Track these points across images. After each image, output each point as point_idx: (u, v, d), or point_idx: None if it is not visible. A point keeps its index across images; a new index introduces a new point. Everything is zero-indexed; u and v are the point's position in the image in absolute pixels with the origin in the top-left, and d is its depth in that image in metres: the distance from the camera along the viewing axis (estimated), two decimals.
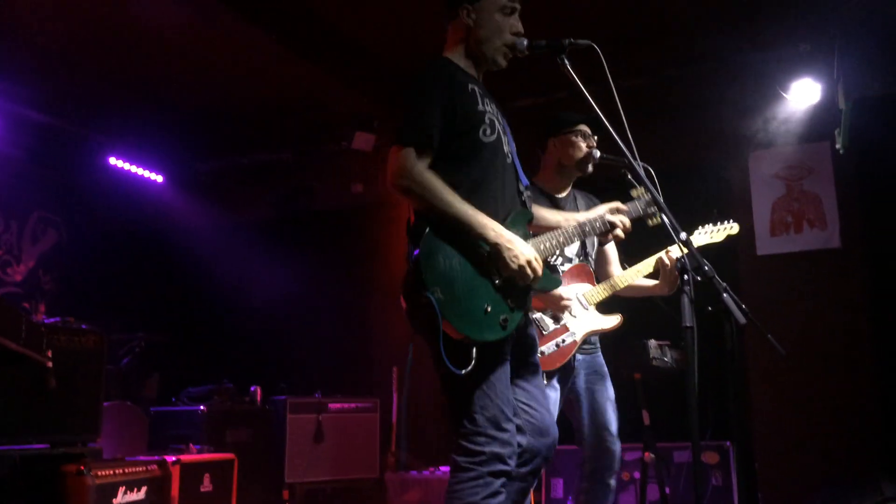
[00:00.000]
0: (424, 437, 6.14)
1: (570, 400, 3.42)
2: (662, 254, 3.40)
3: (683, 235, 2.27)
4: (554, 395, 3.25)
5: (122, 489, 3.59)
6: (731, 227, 3.69)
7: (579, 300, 3.40)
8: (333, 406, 5.85)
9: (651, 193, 2.46)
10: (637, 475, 5.02)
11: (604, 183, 3.62)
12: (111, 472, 3.55)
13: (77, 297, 6.70)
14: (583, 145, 3.44)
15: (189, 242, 7.21)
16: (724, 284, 2.27)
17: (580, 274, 3.44)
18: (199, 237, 7.23)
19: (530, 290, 2.46)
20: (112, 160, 7.00)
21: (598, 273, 3.58)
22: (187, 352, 6.86)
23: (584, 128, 3.45)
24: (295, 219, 7.32)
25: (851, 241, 5.58)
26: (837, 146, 5.34)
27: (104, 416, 3.99)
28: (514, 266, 2.32)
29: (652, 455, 4.18)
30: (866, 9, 4.73)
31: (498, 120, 2.56)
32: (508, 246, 2.32)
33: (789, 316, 5.53)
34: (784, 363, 5.32)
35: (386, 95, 6.10)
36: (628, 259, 3.67)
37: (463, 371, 2.23)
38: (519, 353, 2.48)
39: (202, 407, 5.14)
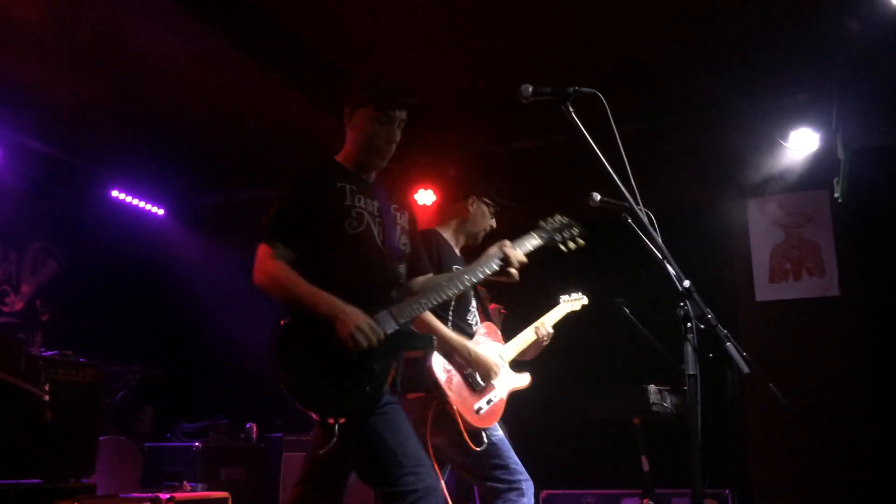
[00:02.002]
0: None
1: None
2: (538, 323, 3.72)
3: (687, 283, 2.27)
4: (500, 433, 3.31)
5: None
6: (582, 298, 4.04)
7: (500, 357, 3.46)
8: None
9: (653, 239, 2.46)
10: None
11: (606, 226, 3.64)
12: None
13: (74, 329, 6.67)
14: (491, 223, 3.62)
15: (188, 276, 7.20)
16: (726, 332, 2.27)
17: (492, 333, 3.52)
18: (199, 271, 7.22)
19: (397, 351, 2.55)
20: (114, 192, 7.03)
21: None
22: (183, 386, 6.81)
23: (497, 210, 3.62)
24: None
25: (850, 289, 5.59)
26: (836, 195, 5.38)
27: (98, 452, 3.95)
28: (343, 334, 2.39)
29: (650, 501, 4.15)
30: (864, 61, 4.81)
31: (370, 214, 2.71)
32: (339, 315, 2.41)
33: (788, 363, 5.53)
34: (783, 411, 5.30)
35: None
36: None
37: (328, 447, 2.37)
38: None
39: (197, 443, 5.09)
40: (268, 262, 2.55)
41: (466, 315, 3.41)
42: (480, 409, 3.19)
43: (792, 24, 4.87)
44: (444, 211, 3.73)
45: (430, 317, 3.18)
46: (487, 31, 4.96)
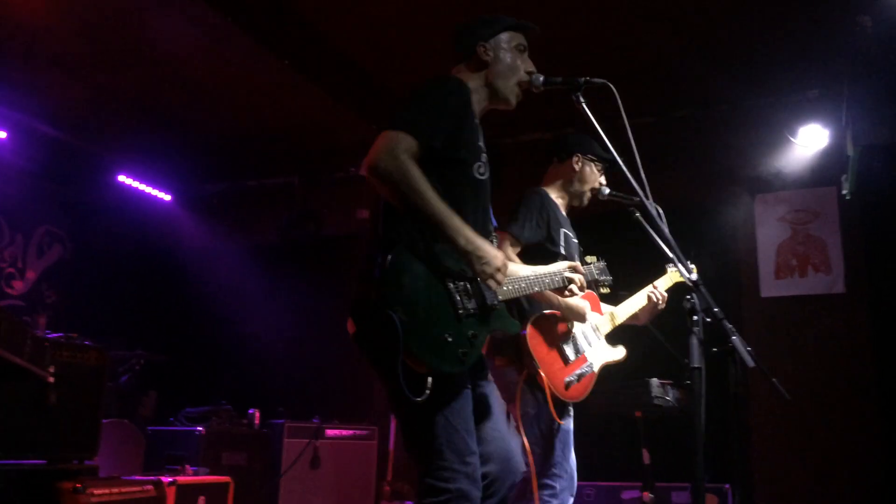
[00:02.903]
0: None
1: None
2: (650, 287, 3.51)
3: (694, 276, 2.27)
4: (569, 426, 3.21)
5: None
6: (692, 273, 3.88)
7: (594, 330, 3.38)
8: (331, 432, 5.81)
9: (661, 233, 2.46)
10: None
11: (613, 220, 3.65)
12: (107, 490, 3.52)
13: (78, 313, 6.69)
14: (601, 180, 3.49)
15: (194, 262, 7.21)
16: (732, 327, 2.27)
17: (592, 303, 3.37)
18: (204, 257, 7.24)
19: (489, 327, 2.31)
20: (121, 177, 7.04)
21: None
22: (186, 371, 6.83)
23: (605, 166, 3.51)
24: (300, 243, 7.33)
25: (856, 286, 5.58)
26: (844, 192, 5.37)
27: (101, 434, 3.97)
28: (490, 270, 2.20)
29: (651, 495, 4.15)
30: (875, 57, 4.78)
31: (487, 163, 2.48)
32: (479, 254, 2.18)
33: (792, 359, 5.52)
34: (787, 407, 5.30)
35: None
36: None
37: (419, 399, 2.07)
38: (474, 380, 2.35)
39: (200, 428, 5.10)
40: (404, 156, 2.16)
41: None
42: (570, 382, 3.11)
43: (803, 20, 4.84)
44: (548, 173, 3.55)
45: (514, 258, 3.10)
46: None
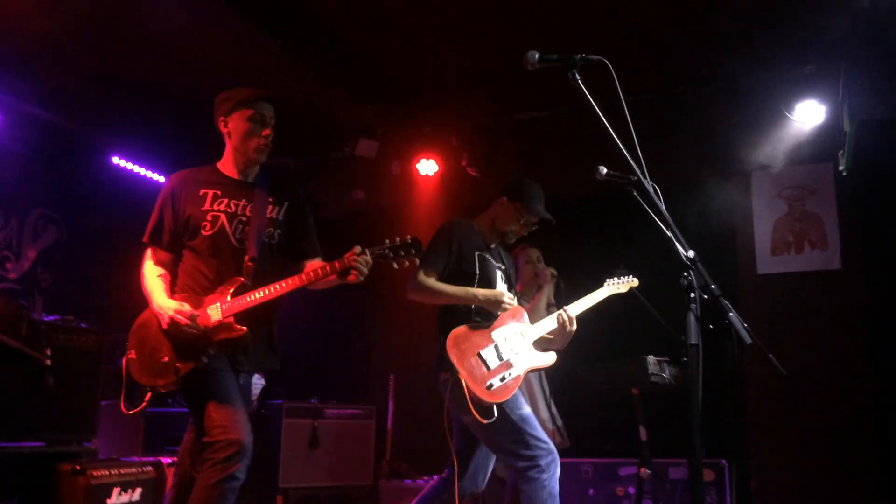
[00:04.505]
0: (419, 445, 6.13)
1: None
2: (561, 311, 3.68)
3: (691, 253, 2.27)
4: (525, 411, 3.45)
5: (116, 490, 3.58)
6: (631, 281, 4.01)
7: (519, 338, 3.54)
8: (329, 412, 5.84)
9: (658, 211, 2.45)
10: (632, 490, 5.01)
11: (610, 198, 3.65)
12: (106, 472, 3.54)
13: (75, 296, 6.68)
14: (523, 230, 3.70)
15: None
16: (728, 304, 2.27)
17: (517, 313, 3.60)
18: None
19: None
20: (115, 159, 7.00)
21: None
22: None
23: (535, 224, 3.69)
24: None
25: (852, 262, 5.59)
26: (840, 168, 5.36)
27: (100, 416, 3.98)
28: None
29: (648, 471, 4.19)
30: (872, 32, 4.75)
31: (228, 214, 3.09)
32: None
33: (788, 335, 5.55)
34: (782, 383, 5.33)
35: (389, 103, 6.12)
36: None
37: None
38: None
39: None
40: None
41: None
42: (492, 385, 3.28)
43: None
44: (489, 200, 3.80)
45: (432, 281, 3.45)
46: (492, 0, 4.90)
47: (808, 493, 5.28)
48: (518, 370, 3.40)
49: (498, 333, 3.46)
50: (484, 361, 3.35)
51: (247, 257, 3.02)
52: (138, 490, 3.73)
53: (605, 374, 4.34)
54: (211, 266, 3.03)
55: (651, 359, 4.19)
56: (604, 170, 3.46)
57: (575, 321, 3.68)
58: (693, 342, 2.23)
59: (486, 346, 3.40)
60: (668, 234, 2.41)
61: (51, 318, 3.93)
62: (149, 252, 3.19)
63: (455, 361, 3.29)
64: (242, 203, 3.11)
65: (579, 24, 5.06)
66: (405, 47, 5.36)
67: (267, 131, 3.17)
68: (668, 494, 5.05)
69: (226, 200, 3.09)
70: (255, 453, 5.34)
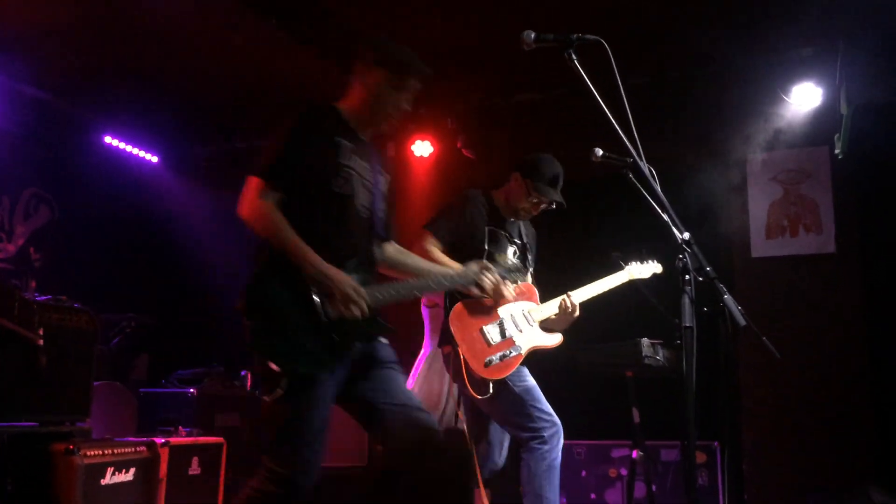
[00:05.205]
0: None
1: None
2: (564, 297, 3.63)
3: (686, 235, 2.26)
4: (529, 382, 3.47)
5: (110, 470, 3.57)
6: (657, 266, 3.99)
7: (525, 316, 3.52)
8: None
9: (654, 193, 2.44)
10: (625, 472, 5.04)
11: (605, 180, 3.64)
12: (100, 452, 3.53)
13: (67, 276, 6.65)
14: (534, 209, 3.64)
15: (182, 224, 7.16)
16: (723, 287, 2.27)
17: (529, 293, 3.59)
18: (193, 219, 7.18)
19: (358, 330, 2.51)
20: (107, 139, 6.96)
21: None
22: (177, 334, 6.82)
23: (546, 204, 3.62)
24: None
25: (847, 246, 5.59)
26: (836, 151, 5.35)
27: (93, 396, 3.97)
28: (334, 303, 2.44)
29: (640, 452, 4.20)
30: (871, 14, 4.73)
31: (359, 176, 2.65)
32: (327, 281, 2.44)
33: (782, 319, 5.55)
34: (776, 366, 5.35)
35: None
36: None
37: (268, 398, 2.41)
38: (371, 367, 2.61)
39: (192, 390, 5.11)
40: (258, 200, 2.56)
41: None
42: (491, 361, 3.27)
43: None
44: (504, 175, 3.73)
45: (437, 253, 3.37)
46: None
47: (801, 477, 5.32)
48: (521, 349, 3.39)
49: (505, 310, 3.43)
50: (486, 337, 3.33)
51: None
52: (132, 470, 3.72)
53: (599, 355, 4.35)
54: None
55: (645, 341, 4.19)
56: (599, 152, 3.44)
57: (578, 308, 3.62)
58: (687, 324, 2.23)
59: (491, 322, 3.38)
60: (664, 216, 2.40)
61: (43, 297, 3.91)
62: None
63: (456, 335, 3.27)
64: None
65: (575, 4, 5.02)
66: (401, 27, 5.32)
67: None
68: (660, 476, 5.09)
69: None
70: (249, 434, 5.37)
